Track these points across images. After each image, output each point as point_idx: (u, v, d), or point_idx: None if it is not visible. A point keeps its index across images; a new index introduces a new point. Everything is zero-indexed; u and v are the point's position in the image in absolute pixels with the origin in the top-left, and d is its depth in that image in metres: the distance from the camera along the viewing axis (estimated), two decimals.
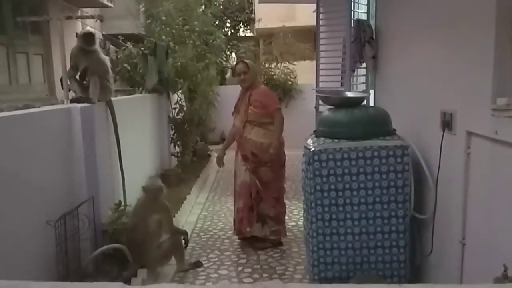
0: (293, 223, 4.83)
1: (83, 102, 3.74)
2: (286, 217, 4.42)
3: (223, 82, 11.86)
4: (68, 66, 4.13)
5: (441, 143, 2.66)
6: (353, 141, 2.97)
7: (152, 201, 3.64)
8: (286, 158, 4.32)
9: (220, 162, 4.49)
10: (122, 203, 4.11)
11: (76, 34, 3.98)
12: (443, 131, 2.65)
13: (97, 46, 4.11)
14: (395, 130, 3.14)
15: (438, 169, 2.74)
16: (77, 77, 3.99)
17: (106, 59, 4.19)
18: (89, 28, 8.68)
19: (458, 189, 2.49)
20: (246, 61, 4.37)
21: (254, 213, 4.19)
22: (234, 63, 14.96)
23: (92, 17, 5.33)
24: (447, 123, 2.63)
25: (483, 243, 2.28)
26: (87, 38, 3.92)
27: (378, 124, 3.09)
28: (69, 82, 4.08)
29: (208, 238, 4.54)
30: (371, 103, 4.32)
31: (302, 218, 3.54)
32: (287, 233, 4.39)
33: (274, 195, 4.20)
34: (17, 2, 6.47)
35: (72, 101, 3.94)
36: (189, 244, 4.13)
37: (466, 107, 2.44)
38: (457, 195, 2.51)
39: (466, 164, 2.42)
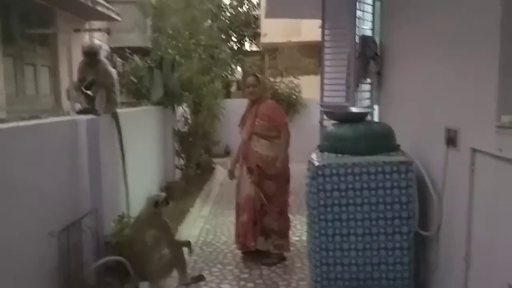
0: (297, 238, 4.80)
1: (89, 114, 3.77)
2: (289, 232, 4.40)
3: (228, 95, 11.94)
4: (75, 78, 4.17)
5: (446, 159, 2.65)
6: (357, 156, 2.97)
7: (152, 215, 3.64)
8: (290, 172, 4.32)
9: (231, 176, 4.49)
10: (126, 215, 4.11)
11: (82, 46, 4.03)
12: (448, 147, 2.65)
13: (103, 58, 4.15)
14: (399, 145, 3.14)
15: (442, 185, 2.73)
16: (84, 88, 4.03)
17: (113, 72, 4.23)
18: (95, 41, 8.78)
19: (463, 206, 2.48)
20: (257, 74, 4.41)
21: (258, 227, 4.17)
22: (240, 76, 15.14)
23: (99, 30, 5.39)
24: (451, 140, 2.63)
25: (488, 260, 2.26)
26: (89, 55, 3.96)
27: (382, 140, 3.09)
28: (75, 94, 4.12)
29: (210, 251, 4.52)
30: (376, 119, 4.32)
31: (306, 232, 3.52)
32: (291, 248, 4.37)
33: (278, 209, 4.19)
34: (26, 14, 6.57)
35: (78, 112, 3.97)
36: (191, 257, 4.11)
37: (471, 124, 2.45)
38: (462, 212, 2.49)
39: (470, 181, 2.41)
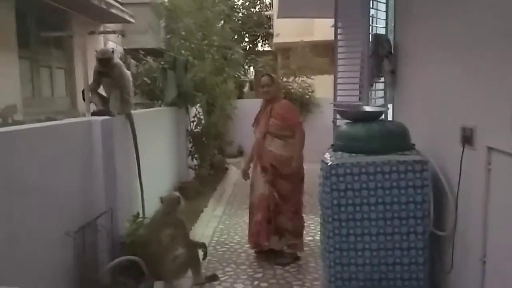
0: (310, 238, 4.79)
1: (104, 115, 3.81)
2: (303, 232, 4.39)
3: (241, 96, 11.95)
4: (90, 80, 4.22)
5: (461, 158, 2.62)
6: (371, 155, 2.95)
7: (168, 214, 3.66)
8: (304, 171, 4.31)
9: (245, 176, 4.50)
10: (140, 215, 4.15)
11: (96, 52, 4.08)
12: (463, 146, 2.62)
13: (117, 60, 4.19)
14: (414, 145, 3.11)
15: (458, 185, 2.70)
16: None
17: (128, 73, 4.27)
18: (110, 43, 8.88)
19: (479, 205, 2.45)
20: (271, 74, 4.41)
21: (272, 225, 4.17)
22: (253, 77, 15.15)
23: (114, 32, 5.45)
24: (467, 139, 2.59)
25: (504, 261, 2.22)
26: (103, 61, 3.99)
27: (396, 139, 3.07)
28: (90, 95, 4.17)
29: (224, 251, 4.53)
30: (390, 118, 4.29)
31: (319, 232, 3.51)
32: (304, 248, 4.35)
33: (292, 208, 4.19)
34: (42, 18, 6.67)
35: (93, 114, 4.02)
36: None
37: (487, 123, 2.41)
38: (478, 211, 2.46)
39: (486, 180, 2.37)
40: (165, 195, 3.79)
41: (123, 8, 8.65)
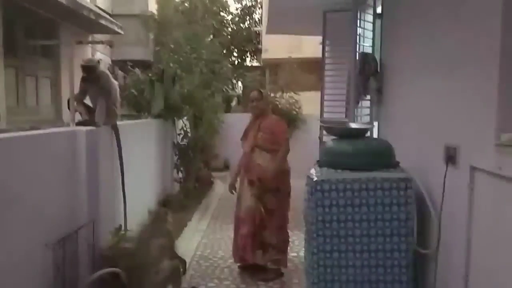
0: (294, 254, 4.76)
1: (89, 125, 3.77)
2: (288, 247, 4.36)
3: (228, 110, 11.97)
4: (76, 90, 4.19)
5: (445, 177, 2.65)
6: (356, 172, 2.96)
7: (157, 226, 3.64)
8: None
9: (232, 189, 4.47)
10: (123, 227, 4.08)
11: (82, 60, 4.08)
12: (447, 165, 2.65)
13: (104, 70, 4.18)
14: (398, 162, 3.13)
15: (441, 203, 2.72)
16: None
17: (115, 84, 4.25)
18: (97, 54, 8.84)
19: (462, 224, 2.46)
20: (260, 89, 4.45)
21: (257, 240, 4.15)
22: (241, 91, 15.22)
23: (102, 42, 5.44)
24: (451, 158, 2.63)
25: (487, 280, 2.24)
26: (87, 69, 3.99)
27: (381, 156, 3.09)
28: (76, 105, 4.13)
29: (207, 266, 4.48)
30: (375, 135, 4.33)
31: (303, 248, 3.49)
32: (288, 264, 4.33)
33: (277, 223, 4.17)
34: (29, 26, 6.62)
35: (78, 124, 3.98)
36: (188, 272, 4.07)
37: (470, 142, 2.44)
38: (461, 230, 2.48)
39: (469, 199, 2.40)
40: (154, 210, 3.81)
41: (112, 19, 8.65)
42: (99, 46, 8.51)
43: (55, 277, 3.01)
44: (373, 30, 4.71)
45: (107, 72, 4.25)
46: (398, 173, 2.98)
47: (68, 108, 4.11)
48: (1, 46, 5.76)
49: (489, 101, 2.21)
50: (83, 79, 4.08)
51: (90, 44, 8.33)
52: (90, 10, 7.36)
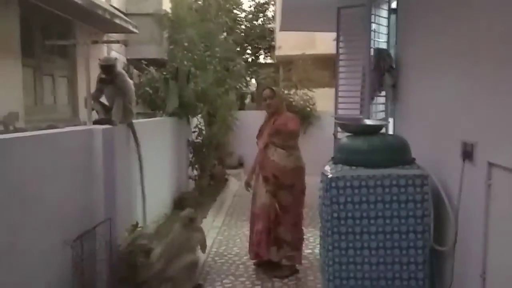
0: (309, 251, 4.76)
1: (105, 124, 3.82)
2: (302, 245, 4.36)
3: (242, 107, 12.00)
4: (93, 89, 4.24)
5: (462, 173, 2.62)
6: (371, 169, 2.95)
7: (189, 226, 3.85)
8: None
9: (248, 186, 4.49)
10: (141, 224, 4.14)
11: (99, 60, 4.12)
12: (464, 161, 2.62)
13: (120, 69, 4.22)
14: (414, 159, 3.11)
15: (458, 200, 2.69)
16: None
17: (130, 83, 4.29)
18: (113, 53, 8.93)
19: (479, 221, 2.44)
20: (273, 87, 4.43)
21: (271, 236, 4.16)
22: (254, 89, 15.23)
23: (117, 42, 5.50)
24: (468, 154, 2.60)
25: (504, 278, 2.21)
26: (106, 68, 4.03)
27: (397, 153, 3.07)
28: (92, 103, 4.19)
29: (223, 263, 4.50)
30: (390, 132, 4.29)
31: (319, 245, 3.49)
32: (303, 261, 4.33)
33: (292, 220, 4.17)
34: (46, 26, 6.72)
35: (94, 122, 4.03)
36: (203, 268, 4.10)
37: (488, 138, 2.41)
38: (478, 227, 2.45)
39: (487, 195, 2.37)
40: (183, 212, 4.01)
41: (127, 19, 8.73)
42: (114, 45, 8.59)
43: (73, 273, 3.06)
44: (388, 26, 4.67)
45: (123, 71, 4.29)
46: (414, 170, 2.96)
47: (86, 106, 4.17)
48: (19, 46, 5.86)
49: (507, 96, 2.17)
50: (100, 78, 4.12)
51: (105, 44, 8.41)
52: (105, 10, 7.43)
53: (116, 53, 9.29)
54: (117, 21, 7.96)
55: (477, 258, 2.45)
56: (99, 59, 4.10)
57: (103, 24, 7.84)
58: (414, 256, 2.92)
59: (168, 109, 6.63)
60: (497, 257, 2.30)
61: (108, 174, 3.67)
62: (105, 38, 8.64)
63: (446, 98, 3.03)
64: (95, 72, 4.23)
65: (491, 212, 2.36)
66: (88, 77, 4.24)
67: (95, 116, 4.26)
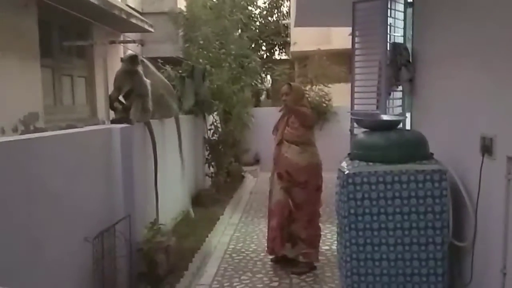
0: (327, 247, 4.76)
1: (123, 123, 3.87)
2: (319, 242, 4.35)
3: (257, 104, 11.99)
4: (111, 88, 4.30)
5: (481, 168, 2.59)
6: (388, 164, 2.93)
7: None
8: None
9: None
10: (156, 222, 4.18)
11: (121, 58, 4.17)
12: (483, 156, 2.58)
13: (140, 68, 4.27)
14: (432, 154, 3.08)
15: (477, 195, 2.66)
16: (121, 98, 4.16)
17: (148, 82, 4.34)
18: (131, 52, 9.01)
19: (499, 216, 2.41)
20: (291, 83, 4.43)
21: (285, 232, 4.17)
22: (270, 85, 15.19)
23: (134, 41, 5.55)
24: (487, 148, 2.56)
25: None
26: (132, 60, 4.10)
27: (414, 148, 3.04)
28: (112, 103, 4.25)
29: (240, 259, 4.53)
30: (408, 127, 4.25)
31: (336, 242, 3.49)
32: (321, 257, 4.33)
33: (306, 217, 4.17)
34: (64, 27, 6.83)
35: (112, 121, 4.09)
36: (221, 265, 4.14)
37: (507, 132, 2.38)
38: (498, 222, 2.42)
39: (507, 190, 2.34)
40: None
41: (143, 18, 8.80)
42: (130, 45, 8.67)
43: (94, 270, 3.12)
44: (404, 19, 4.61)
45: (140, 71, 4.33)
46: (432, 165, 2.93)
47: (111, 107, 4.23)
48: (37, 48, 5.97)
49: None
50: (118, 77, 4.18)
51: (122, 44, 8.50)
52: (122, 10, 7.51)
53: (132, 51, 9.38)
54: (133, 20, 8.03)
55: (498, 254, 2.42)
56: (121, 58, 4.17)
57: (119, 24, 7.92)
58: (433, 252, 2.90)
59: (184, 107, 6.67)
60: None
61: (127, 172, 3.72)
62: (121, 38, 8.73)
63: (464, 91, 2.99)
64: (113, 71, 4.28)
65: (511, 206, 2.33)
66: (106, 77, 4.30)
67: (113, 115, 4.31)
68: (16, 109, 5.43)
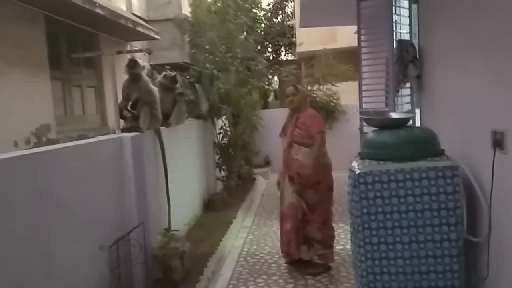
0: (341, 247, 4.75)
1: (134, 131, 3.91)
2: (334, 242, 4.35)
3: (266, 106, 11.99)
4: (120, 98, 4.35)
5: (493, 163, 2.57)
6: (399, 162, 2.92)
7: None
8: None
9: (279, 186, 4.50)
10: (166, 228, 4.21)
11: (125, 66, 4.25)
12: (495, 150, 2.57)
13: (144, 76, 4.31)
14: (443, 150, 3.06)
15: (491, 189, 2.64)
16: (130, 108, 4.22)
17: (154, 90, 4.38)
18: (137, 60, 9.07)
19: None
20: (296, 85, 4.45)
21: (301, 235, 4.17)
22: (277, 86, 15.19)
23: (141, 51, 5.61)
24: (498, 142, 2.54)
25: None
26: (130, 64, 4.15)
27: (425, 145, 3.03)
28: (121, 112, 4.29)
29: (255, 262, 4.54)
30: (417, 123, 4.23)
31: (350, 241, 3.48)
32: (335, 257, 4.32)
33: (320, 218, 4.16)
34: (72, 39, 6.91)
35: (123, 130, 4.13)
36: (236, 268, 4.15)
37: None
38: None
39: None
40: None
41: (149, 26, 8.86)
42: (138, 54, 8.74)
43: (110, 278, 3.15)
44: (410, 16, 4.59)
45: (147, 78, 4.38)
46: (444, 161, 2.91)
47: (121, 117, 4.30)
48: (46, 60, 6.04)
49: None
50: (125, 86, 4.23)
51: (129, 53, 8.57)
52: (128, 19, 7.57)
53: (139, 60, 9.45)
54: (140, 29, 8.10)
55: None
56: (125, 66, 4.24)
57: (126, 33, 7.99)
58: (448, 248, 2.88)
59: (203, 110, 6.69)
60: None
61: (139, 179, 3.76)
62: (128, 47, 8.80)
63: (473, 86, 2.97)
64: (121, 80, 4.34)
65: None
66: (115, 86, 4.36)
67: (123, 124, 4.36)
68: (28, 121, 5.50)
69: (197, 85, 6.74)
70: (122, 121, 4.33)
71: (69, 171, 2.89)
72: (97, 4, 6.27)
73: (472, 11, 2.96)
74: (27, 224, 2.44)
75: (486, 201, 2.72)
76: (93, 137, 3.96)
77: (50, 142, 5.64)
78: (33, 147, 4.58)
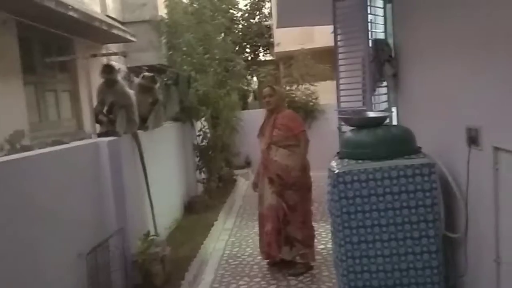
0: (322, 246, 4.77)
1: (110, 136, 3.85)
2: (314, 241, 4.36)
3: (245, 107, 11.98)
4: (95, 101, 4.28)
5: (468, 159, 2.61)
6: (377, 161, 2.94)
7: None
8: (312, 180, 4.30)
9: (255, 187, 4.51)
10: (152, 233, 4.16)
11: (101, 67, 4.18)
12: (469, 147, 2.61)
13: (120, 79, 4.25)
14: (420, 148, 3.10)
15: (466, 186, 2.68)
16: (106, 112, 4.15)
17: (131, 93, 4.32)
18: (112, 63, 8.95)
19: (489, 206, 2.43)
20: (273, 85, 4.47)
21: (282, 236, 4.17)
22: (256, 87, 15.21)
23: (116, 54, 5.54)
24: (473, 139, 2.59)
25: None
26: (105, 69, 4.09)
27: (402, 143, 3.06)
28: (97, 116, 4.22)
29: (237, 264, 4.52)
30: (394, 122, 4.28)
31: (331, 240, 3.49)
32: (317, 257, 4.34)
33: (301, 218, 4.18)
34: (45, 44, 6.76)
35: (99, 135, 4.06)
36: (217, 271, 4.12)
37: (492, 123, 2.40)
38: (488, 212, 2.44)
39: (495, 180, 2.36)
40: None
41: (124, 28, 8.74)
42: (114, 57, 8.61)
43: (89, 286, 3.09)
44: (384, 15, 4.64)
45: (123, 82, 4.32)
46: (421, 159, 2.94)
47: (96, 121, 4.23)
48: (19, 65, 5.90)
49: (510, 79, 2.16)
50: (100, 90, 4.16)
51: (104, 57, 8.44)
52: (102, 21, 7.45)
53: (115, 63, 9.32)
54: (115, 31, 7.98)
55: (490, 243, 2.45)
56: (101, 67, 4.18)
57: (101, 35, 7.86)
58: (426, 245, 2.91)
59: (168, 115, 6.63)
60: (510, 240, 2.29)
61: (117, 184, 3.70)
62: (103, 50, 8.67)
63: (447, 83, 3.02)
64: (96, 84, 4.26)
65: (500, 196, 2.35)
66: (90, 90, 4.28)
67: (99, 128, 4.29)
68: (0, 128, 5.36)
69: (172, 88, 6.68)
70: (98, 126, 4.26)
71: (45, 177, 2.82)
72: (70, 7, 6.15)
73: (445, 10, 3.00)
74: (4, 231, 2.37)
75: (463, 197, 2.77)
76: (68, 142, 3.88)
77: (24, 148, 5.49)
78: (6, 155, 4.46)
